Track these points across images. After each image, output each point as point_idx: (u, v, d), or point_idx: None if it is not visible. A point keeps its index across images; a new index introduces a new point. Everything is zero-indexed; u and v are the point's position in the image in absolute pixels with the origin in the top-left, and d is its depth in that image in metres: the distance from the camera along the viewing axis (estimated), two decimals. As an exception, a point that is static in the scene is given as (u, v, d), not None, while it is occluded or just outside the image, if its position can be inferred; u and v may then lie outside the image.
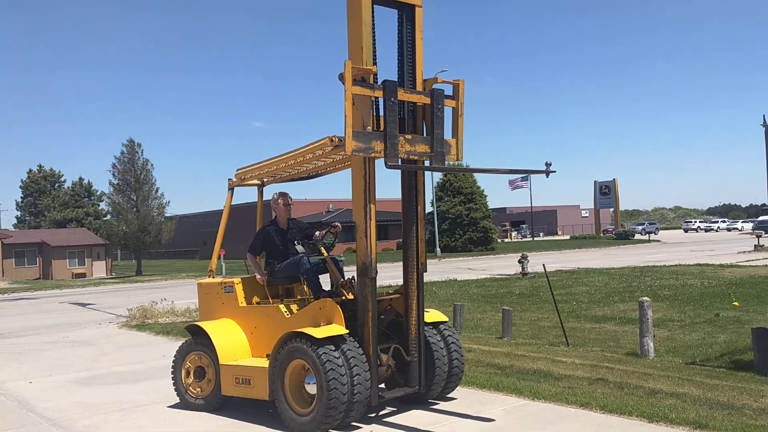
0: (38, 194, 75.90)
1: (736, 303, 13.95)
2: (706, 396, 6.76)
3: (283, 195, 7.65)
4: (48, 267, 46.16)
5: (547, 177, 6.33)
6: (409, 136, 6.46)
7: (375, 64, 6.38)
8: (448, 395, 7.30)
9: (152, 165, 43.81)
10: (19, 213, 79.01)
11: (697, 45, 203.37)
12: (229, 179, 8.15)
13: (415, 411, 6.87)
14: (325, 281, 7.31)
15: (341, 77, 6.00)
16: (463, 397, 7.29)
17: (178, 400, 7.63)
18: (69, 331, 15.42)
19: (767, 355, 8.14)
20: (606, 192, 75.71)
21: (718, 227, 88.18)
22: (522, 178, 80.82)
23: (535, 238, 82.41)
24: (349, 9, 6.32)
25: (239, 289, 7.49)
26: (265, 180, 8.18)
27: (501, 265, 33.13)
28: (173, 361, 7.67)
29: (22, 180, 78.28)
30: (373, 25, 6.34)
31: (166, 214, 45.38)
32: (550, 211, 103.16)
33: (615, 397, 6.88)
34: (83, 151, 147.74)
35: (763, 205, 58.21)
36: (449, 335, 7.21)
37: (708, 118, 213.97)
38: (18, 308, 23.58)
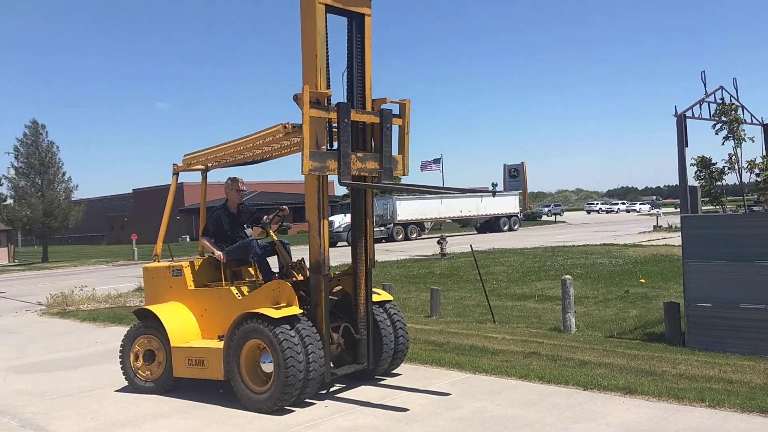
0: (-72, 177, 70.74)
1: (642, 280, 14.99)
2: (630, 365, 7.40)
3: (235, 180, 7.74)
4: (-57, 254, 43.40)
5: (494, 197, 6.80)
6: (360, 154, 6.80)
7: (328, 70, 6.65)
8: (394, 371, 7.65)
9: (58, 147, 41.82)
10: None
11: (607, 34, 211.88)
12: (174, 164, 8.15)
13: (364, 387, 7.18)
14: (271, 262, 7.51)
15: (297, 99, 6.29)
16: (408, 373, 7.66)
17: (124, 385, 7.63)
18: (-16, 320, 14.77)
19: (677, 326, 8.94)
20: (515, 175, 77.88)
21: (618, 209, 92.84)
22: (434, 160, 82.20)
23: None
24: (303, 17, 6.53)
25: (188, 272, 7.56)
26: (209, 165, 8.22)
27: (417, 247, 33.84)
28: (121, 346, 7.64)
29: None
30: (327, 33, 6.59)
31: (73, 198, 43.47)
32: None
33: (550, 368, 7.41)
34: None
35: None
36: (395, 313, 7.55)
37: (609, 106, 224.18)
38: None
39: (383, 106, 6.99)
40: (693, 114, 10.42)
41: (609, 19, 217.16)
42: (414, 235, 44.33)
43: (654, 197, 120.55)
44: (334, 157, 6.52)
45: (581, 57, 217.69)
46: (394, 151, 7.11)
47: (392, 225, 43.22)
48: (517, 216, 51.03)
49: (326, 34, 6.58)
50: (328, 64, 6.66)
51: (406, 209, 43.36)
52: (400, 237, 43.07)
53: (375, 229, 40.47)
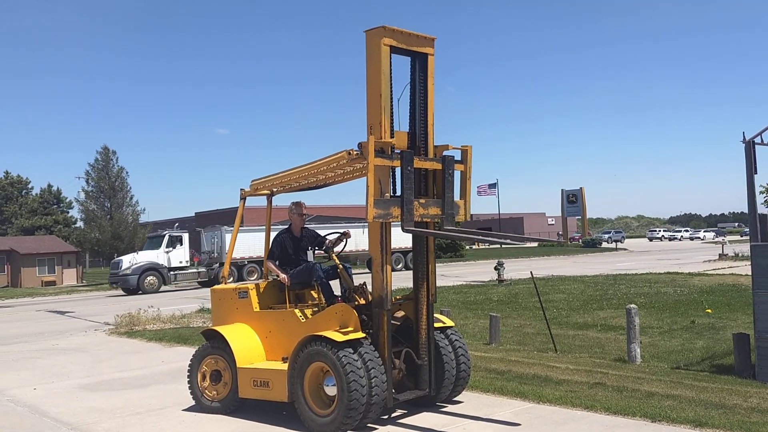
0: (4, 201, 74.24)
1: (709, 310, 14.58)
2: (699, 397, 7.19)
3: (298, 204, 7.95)
4: (17, 275, 45.28)
5: (561, 246, 6.79)
6: (422, 200, 6.90)
7: (392, 109, 6.77)
8: (455, 398, 7.60)
9: (127, 172, 43.56)
10: (-18, 220, 77.19)
11: (670, 57, 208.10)
12: (241, 189, 8.41)
13: (425, 413, 7.17)
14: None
15: (361, 147, 6.47)
16: (470, 401, 7.61)
17: (191, 404, 7.83)
18: (56, 338, 15.38)
19: (747, 358, 8.66)
20: (573, 200, 76.88)
21: (682, 236, 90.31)
22: (489, 185, 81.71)
23: (503, 246, 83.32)
24: (368, 57, 6.69)
25: (253, 294, 7.75)
26: (275, 190, 8.44)
27: (473, 272, 33.62)
28: (189, 365, 7.86)
29: (-14, 187, 76.53)
30: (391, 73, 6.73)
31: (140, 221, 45.04)
32: (516, 218, 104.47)
33: (616, 399, 7.25)
34: (51, 159, 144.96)
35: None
36: (456, 339, 7.54)
37: (672, 131, 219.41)
38: (-6, 316, 23.26)
39: (445, 153, 7.11)
40: (762, 140, 10.18)
41: (672, 42, 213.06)
42: (254, 276, 33.84)
43: (736, 223, 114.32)
44: (397, 204, 6.62)
45: (643, 81, 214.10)
46: (456, 197, 7.19)
47: (219, 265, 33.37)
48: None
49: (390, 74, 6.72)
50: (392, 103, 6.78)
51: (244, 244, 31.61)
52: (231, 280, 31.19)
53: (196, 271, 32.07)
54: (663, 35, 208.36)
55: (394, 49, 6.74)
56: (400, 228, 6.71)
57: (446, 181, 6.99)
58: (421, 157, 6.90)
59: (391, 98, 6.79)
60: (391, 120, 6.78)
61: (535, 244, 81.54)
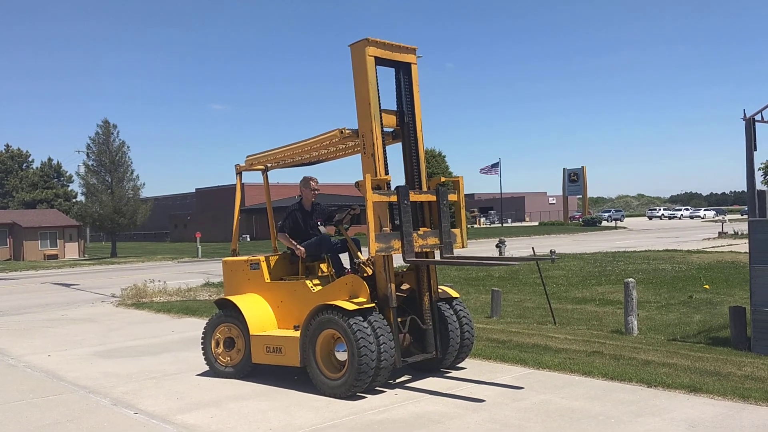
0: (5, 174, 74.45)
1: (706, 286, 14.81)
2: (695, 366, 7.48)
3: (310, 179, 8.16)
4: (19, 248, 45.61)
5: (553, 263, 7.02)
6: (421, 232, 7.24)
7: (381, 117, 7.06)
8: (459, 365, 7.92)
9: (128, 147, 43.50)
10: (-17, 193, 77.47)
11: (671, 37, 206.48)
12: (236, 165, 8.69)
13: (431, 378, 7.47)
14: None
15: (359, 186, 6.79)
16: (473, 367, 7.92)
17: (204, 370, 8.13)
18: (65, 309, 15.68)
19: (743, 331, 8.91)
20: (575, 179, 77.38)
21: (682, 215, 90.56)
22: (492, 165, 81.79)
23: (504, 224, 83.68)
24: (354, 68, 7.05)
25: (264, 266, 8.00)
26: (269, 165, 8.68)
27: (475, 250, 33.89)
28: (203, 333, 8.14)
29: (-13, 159, 76.71)
30: (377, 82, 7.06)
31: (141, 196, 45.13)
32: (518, 197, 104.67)
33: (613, 366, 7.55)
34: (51, 132, 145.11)
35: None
36: (461, 309, 7.83)
37: (671, 110, 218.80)
38: (0, 288, 23.55)
39: (438, 185, 7.44)
40: (762, 117, 10.36)
41: (673, 22, 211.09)
42: None
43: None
44: (397, 237, 6.93)
45: (644, 60, 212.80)
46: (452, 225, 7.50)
47: None
48: None
49: (377, 83, 7.04)
50: (380, 111, 7.08)
51: None
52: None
53: None
54: (663, 14, 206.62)
55: (378, 61, 7.08)
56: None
57: (441, 211, 7.35)
58: (416, 191, 7.23)
59: (380, 106, 7.07)
60: (382, 128, 7.05)
61: (535, 223, 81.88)
